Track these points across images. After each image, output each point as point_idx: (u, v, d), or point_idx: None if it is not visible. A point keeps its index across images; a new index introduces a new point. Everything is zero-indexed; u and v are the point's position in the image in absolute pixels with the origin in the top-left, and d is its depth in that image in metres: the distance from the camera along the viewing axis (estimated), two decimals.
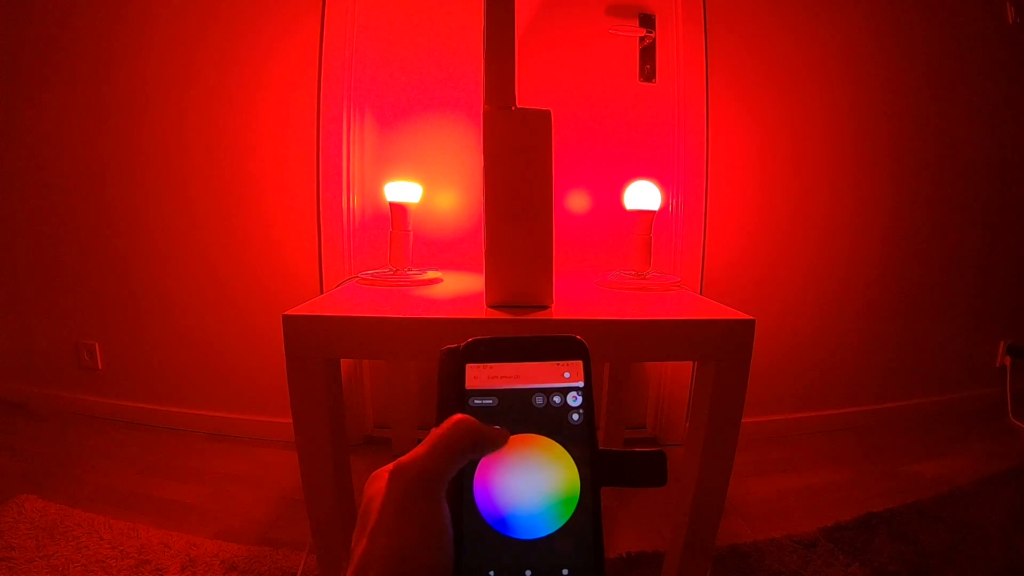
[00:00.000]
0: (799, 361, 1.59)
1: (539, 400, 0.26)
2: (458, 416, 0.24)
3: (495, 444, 0.24)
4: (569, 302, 0.81)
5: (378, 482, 0.24)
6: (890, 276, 1.62)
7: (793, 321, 1.56)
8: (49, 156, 1.49)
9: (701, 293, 1.47)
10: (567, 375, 0.27)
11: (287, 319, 0.67)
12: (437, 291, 0.92)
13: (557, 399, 0.26)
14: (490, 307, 0.75)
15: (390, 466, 0.24)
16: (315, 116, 1.37)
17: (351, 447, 1.45)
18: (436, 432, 0.24)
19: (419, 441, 0.24)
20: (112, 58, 1.42)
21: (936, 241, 1.64)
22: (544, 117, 0.72)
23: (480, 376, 0.27)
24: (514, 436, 0.25)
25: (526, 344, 0.27)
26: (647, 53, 1.44)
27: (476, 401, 0.26)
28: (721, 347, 0.70)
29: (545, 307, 0.75)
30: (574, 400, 0.26)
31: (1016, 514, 1.12)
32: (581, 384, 0.27)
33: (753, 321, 0.70)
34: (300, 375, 0.68)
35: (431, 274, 1.04)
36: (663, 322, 0.71)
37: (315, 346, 0.68)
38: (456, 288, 0.95)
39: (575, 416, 0.26)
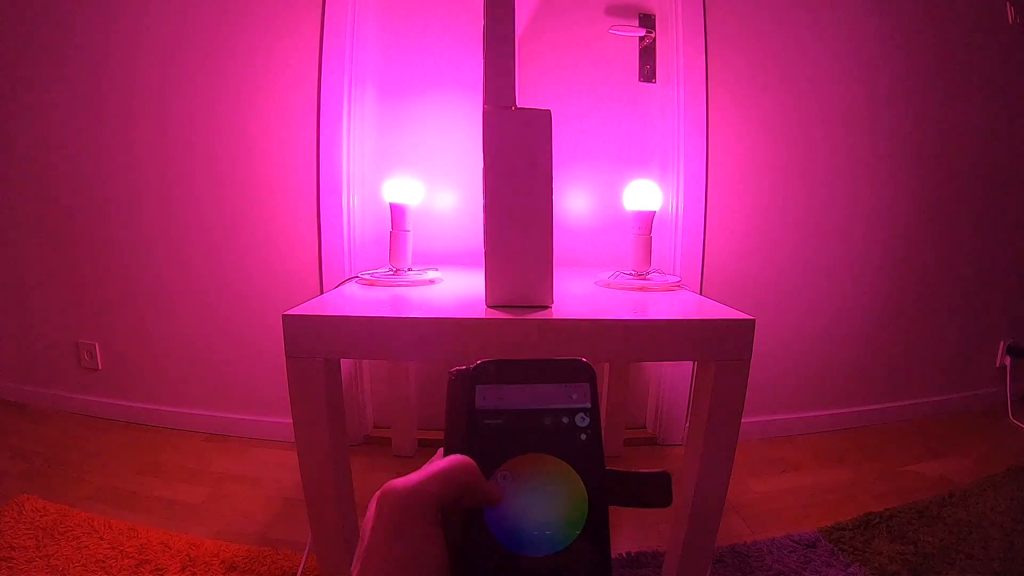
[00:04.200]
0: (799, 361, 1.59)
1: (547, 421, 0.27)
2: (463, 457, 0.24)
3: (487, 500, 0.24)
4: (569, 302, 0.81)
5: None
6: (890, 276, 1.62)
7: (793, 321, 1.56)
8: (48, 156, 1.49)
9: (701, 293, 1.47)
10: (574, 396, 0.27)
11: (287, 319, 0.67)
12: (437, 291, 0.92)
13: (565, 420, 0.27)
14: (490, 307, 0.75)
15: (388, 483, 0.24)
16: (315, 116, 1.37)
17: (351, 447, 1.45)
18: (436, 463, 0.24)
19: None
20: (110, 57, 1.42)
21: (936, 241, 1.64)
22: (544, 117, 0.72)
23: (490, 397, 0.27)
24: (523, 456, 0.26)
25: (534, 366, 0.28)
26: (647, 53, 1.44)
27: (486, 421, 0.27)
28: (721, 347, 0.70)
29: (545, 307, 0.75)
30: (582, 421, 0.27)
31: (1016, 514, 1.12)
32: (588, 405, 0.27)
33: (753, 321, 0.70)
34: (300, 375, 0.68)
35: (431, 274, 1.04)
36: (663, 322, 0.71)
37: (315, 346, 0.68)
38: (456, 288, 0.95)
39: (583, 436, 0.26)
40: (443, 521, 0.23)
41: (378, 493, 0.24)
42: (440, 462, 0.24)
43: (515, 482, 0.25)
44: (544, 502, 0.25)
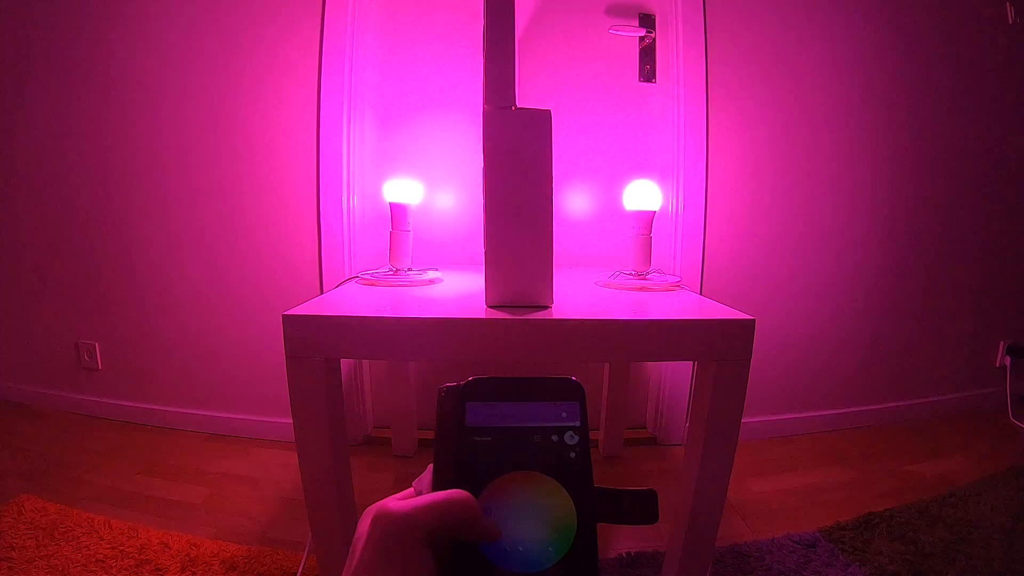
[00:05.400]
0: (799, 361, 1.59)
1: (537, 438, 0.27)
2: (463, 492, 0.24)
3: (484, 535, 0.24)
4: (569, 302, 0.81)
5: (369, 519, 0.24)
6: (891, 276, 1.62)
7: (793, 321, 1.56)
8: (49, 156, 1.49)
9: (701, 293, 1.47)
10: (564, 415, 0.28)
11: (287, 319, 0.67)
12: (437, 291, 0.92)
13: (555, 438, 0.27)
14: (490, 307, 0.75)
15: (383, 502, 0.24)
16: (315, 116, 1.37)
17: (351, 447, 1.45)
18: (435, 495, 0.24)
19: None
20: (112, 58, 1.42)
21: (936, 241, 1.64)
22: (544, 117, 0.72)
23: (480, 414, 0.27)
24: (513, 473, 0.26)
25: (525, 384, 0.28)
26: (647, 53, 1.44)
27: (476, 438, 0.27)
28: (721, 347, 0.70)
29: (545, 307, 0.75)
30: (571, 439, 0.27)
31: (1016, 514, 1.12)
32: (577, 424, 0.27)
33: (753, 321, 0.70)
34: (300, 375, 0.68)
35: (431, 274, 1.04)
36: (663, 322, 0.71)
37: (315, 346, 0.68)
38: (456, 288, 0.95)
39: (572, 454, 0.27)
40: (434, 548, 0.23)
41: (370, 511, 0.24)
42: (439, 494, 0.24)
43: (501, 509, 0.25)
44: (533, 519, 0.25)
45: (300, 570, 0.94)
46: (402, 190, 1.02)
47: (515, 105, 0.72)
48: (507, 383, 0.28)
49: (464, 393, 0.28)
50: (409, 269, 1.04)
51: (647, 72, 1.44)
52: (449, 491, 0.24)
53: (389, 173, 1.05)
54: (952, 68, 1.57)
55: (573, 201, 1.46)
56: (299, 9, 1.35)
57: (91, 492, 1.18)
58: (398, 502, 0.24)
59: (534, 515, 0.25)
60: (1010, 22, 1.59)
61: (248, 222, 1.44)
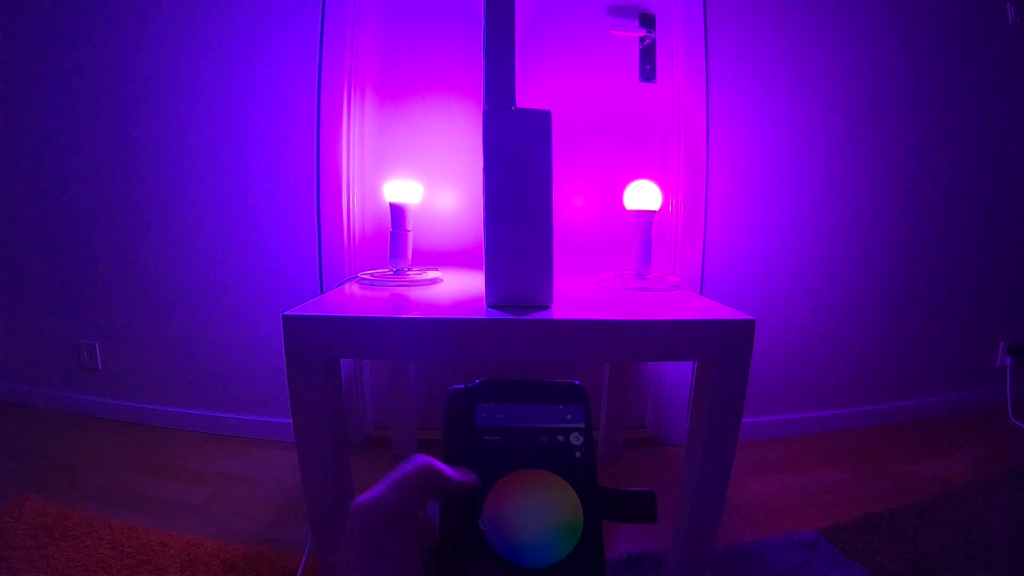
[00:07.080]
0: (799, 361, 1.59)
1: (544, 439, 0.28)
2: (420, 457, 0.24)
3: (460, 490, 0.24)
4: (569, 302, 0.81)
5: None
6: (890, 276, 1.62)
7: (793, 321, 1.56)
8: (48, 155, 1.49)
9: (701, 293, 1.47)
10: (569, 417, 0.29)
11: (287, 319, 0.67)
12: (437, 291, 0.92)
13: (560, 438, 0.28)
14: (490, 307, 0.75)
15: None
16: (315, 116, 1.37)
17: (351, 447, 1.45)
18: (396, 472, 0.24)
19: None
20: (109, 55, 1.41)
21: (936, 241, 1.64)
22: (544, 117, 0.72)
23: (489, 414, 0.29)
24: (522, 471, 0.27)
25: (532, 387, 0.30)
26: (647, 53, 1.44)
27: (486, 437, 0.28)
28: (721, 347, 0.70)
29: (545, 307, 0.75)
30: (576, 440, 0.28)
31: (1016, 514, 1.12)
32: (582, 425, 0.29)
33: (753, 321, 0.70)
34: (300, 375, 0.68)
35: (431, 274, 1.04)
36: (663, 322, 0.71)
37: (315, 346, 0.68)
38: (456, 288, 0.95)
39: (577, 454, 0.28)
40: (441, 515, 0.23)
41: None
42: (398, 470, 0.24)
43: (510, 505, 0.26)
44: (542, 515, 0.26)
45: (300, 570, 0.94)
46: (402, 190, 1.02)
47: (515, 105, 0.72)
48: (515, 385, 0.30)
49: (474, 394, 0.29)
50: (409, 269, 1.04)
51: (647, 72, 1.44)
52: (408, 463, 0.24)
53: (389, 172, 1.05)
54: (952, 68, 1.57)
55: (573, 201, 1.46)
56: (299, 4, 1.35)
57: (91, 492, 1.18)
58: (368, 492, 0.24)
59: (542, 511, 0.26)
60: (1010, 22, 1.59)
61: (248, 221, 1.43)
